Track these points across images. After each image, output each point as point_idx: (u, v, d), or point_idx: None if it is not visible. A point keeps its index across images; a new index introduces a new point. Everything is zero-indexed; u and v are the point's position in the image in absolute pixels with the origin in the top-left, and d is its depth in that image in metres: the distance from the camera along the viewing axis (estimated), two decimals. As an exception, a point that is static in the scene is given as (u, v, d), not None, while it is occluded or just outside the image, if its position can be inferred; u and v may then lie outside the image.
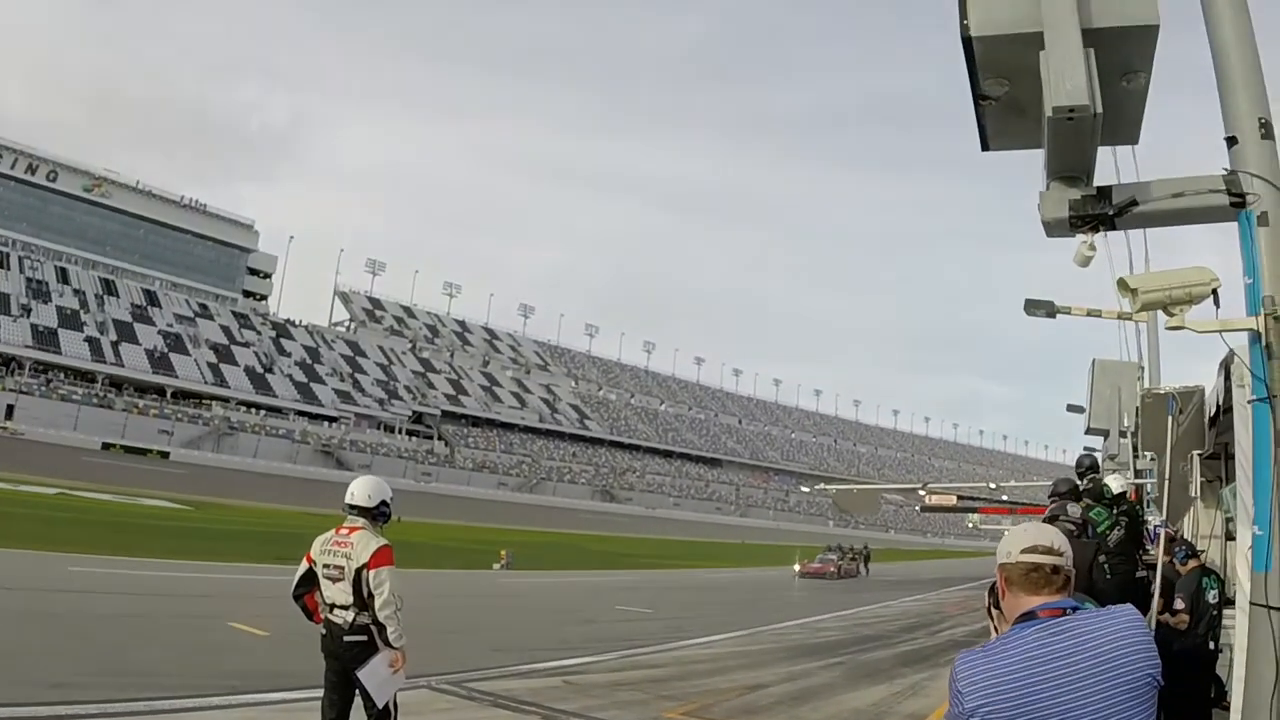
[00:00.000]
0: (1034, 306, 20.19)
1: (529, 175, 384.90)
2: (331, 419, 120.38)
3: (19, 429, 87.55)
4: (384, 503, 7.49)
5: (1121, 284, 4.63)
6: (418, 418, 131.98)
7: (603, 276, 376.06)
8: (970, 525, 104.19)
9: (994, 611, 3.10)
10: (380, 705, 7.12)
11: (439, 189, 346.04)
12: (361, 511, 7.35)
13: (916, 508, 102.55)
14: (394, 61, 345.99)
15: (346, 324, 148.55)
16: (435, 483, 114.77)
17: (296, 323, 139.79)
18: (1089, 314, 20.11)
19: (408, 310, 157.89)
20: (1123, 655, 2.64)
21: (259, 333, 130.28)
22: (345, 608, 7.09)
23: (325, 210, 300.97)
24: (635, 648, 18.16)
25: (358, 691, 7.13)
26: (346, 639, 7.05)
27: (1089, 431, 20.11)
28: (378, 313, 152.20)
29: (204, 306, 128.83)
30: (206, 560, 28.54)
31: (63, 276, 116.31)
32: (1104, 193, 4.54)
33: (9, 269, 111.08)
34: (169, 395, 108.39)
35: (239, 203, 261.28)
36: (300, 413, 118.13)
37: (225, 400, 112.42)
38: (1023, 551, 2.86)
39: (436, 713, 10.82)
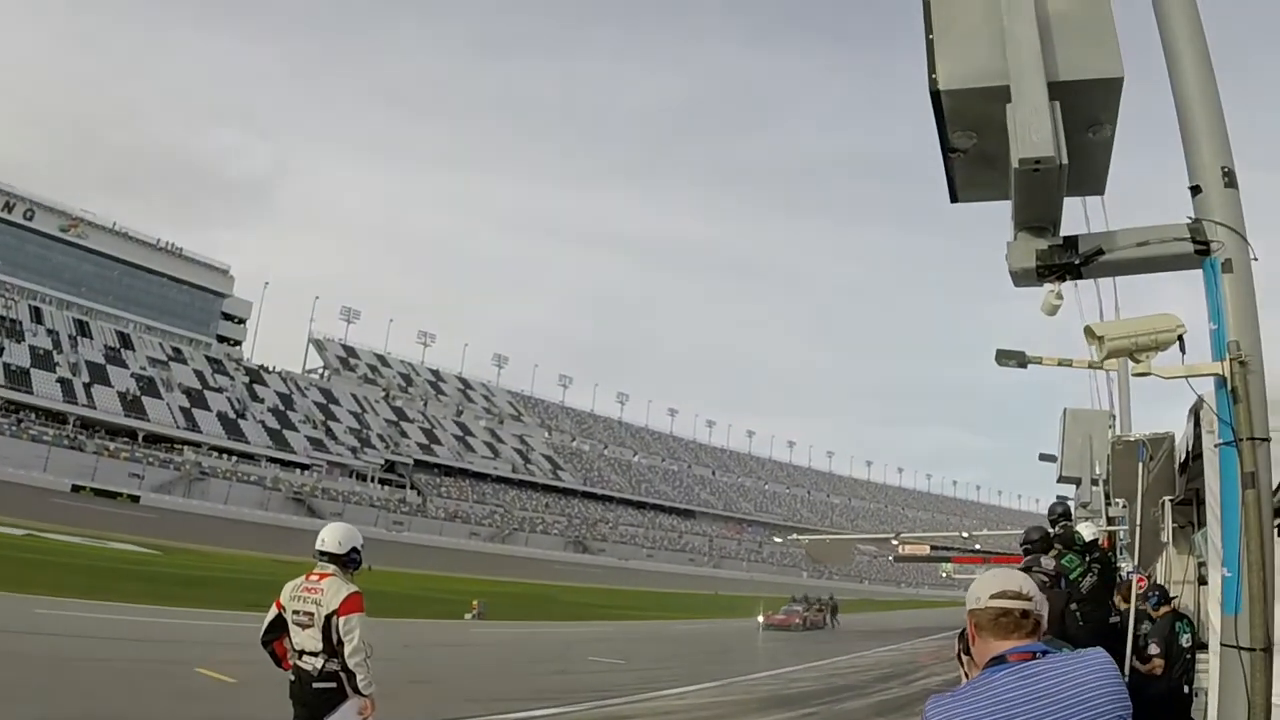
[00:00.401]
0: (1005, 357, 20.34)
1: (504, 227, 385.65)
2: (304, 466, 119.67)
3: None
4: (355, 549, 7.49)
5: (1088, 331, 4.70)
6: (390, 466, 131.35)
7: (577, 328, 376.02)
8: (944, 575, 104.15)
9: (964, 657, 3.11)
10: None
11: (415, 239, 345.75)
12: (332, 558, 7.34)
13: (890, 558, 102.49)
14: (373, 112, 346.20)
15: (320, 371, 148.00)
16: (407, 532, 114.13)
17: (270, 369, 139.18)
18: (1060, 364, 20.26)
19: (381, 359, 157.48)
20: (1094, 699, 2.64)
21: (232, 378, 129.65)
22: (314, 654, 7.06)
23: (301, 257, 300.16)
24: (608, 699, 18.08)
25: None
26: (315, 686, 7.00)
27: (1061, 480, 20.24)
28: (352, 360, 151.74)
29: (178, 350, 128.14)
30: (175, 606, 28.30)
31: (36, 316, 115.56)
32: (1070, 242, 4.62)
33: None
34: (140, 438, 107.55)
35: (215, 248, 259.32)
36: (272, 459, 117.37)
37: (197, 445, 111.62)
38: (992, 597, 2.88)
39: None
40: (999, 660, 2.79)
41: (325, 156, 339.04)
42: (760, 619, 54.75)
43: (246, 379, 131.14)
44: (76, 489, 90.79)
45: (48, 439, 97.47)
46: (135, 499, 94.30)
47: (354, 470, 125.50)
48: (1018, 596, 2.86)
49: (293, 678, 7.20)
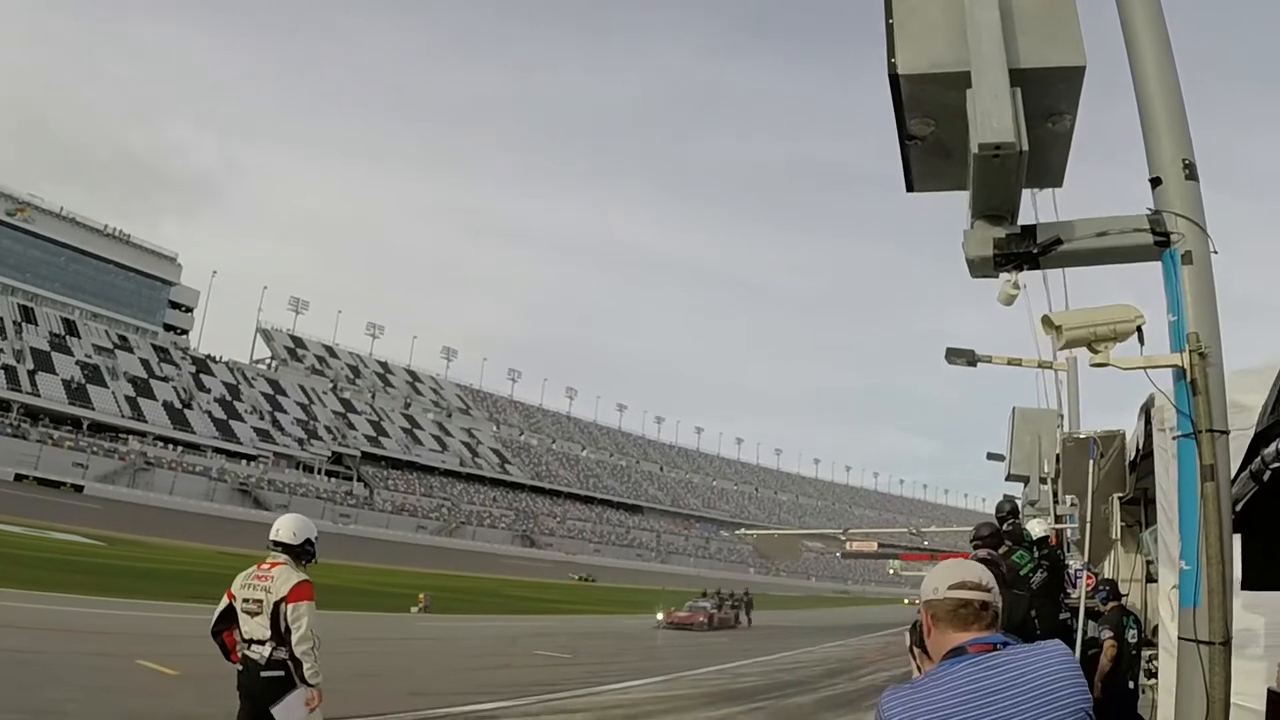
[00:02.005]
0: (955, 355, 20.56)
1: (455, 223, 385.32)
2: (250, 457, 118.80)
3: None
4: (309, 541, 7.46)
5: (1046, 321, 4.65)
6: (337, 458, 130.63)
7: (526, 323, 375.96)
8: (891, 572, 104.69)
9: (916, 650, 3.03)
10: None
11: (364, 232, 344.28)
12: (286, 549, 7.32)
13: (837, 554, 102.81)
14: (325, 109, 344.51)
15: (268, 362, 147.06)
16: (354, 525, 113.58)
17: (217, 359, 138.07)
18: (1009, 362, 20.51)
19: (330, 350, 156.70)
20: (1056, 689, 2.60)
21: (179, 367, 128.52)
22: (262, 642, 6.98)
23: (249, 248, 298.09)
24: (553, 692, 18.00)
25: None
26: (263, 675, 6.93)
27: (1010, 478, 20.37)
28: (299, 351, 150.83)
29: (124, 338, 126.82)
30: (118, 597, 27.96)
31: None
32: (1029, 231, 4.56)
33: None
34: (85, 427, 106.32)
35: (162, 238, 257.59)
36: (218, 450, 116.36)
37: (142, 435, 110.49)
38: (950, 588, 2.82)
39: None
40: (958, 651, 2.73)
41: (275, 151, 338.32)
42: (659, 616, 48.47)
43: (193, 368, 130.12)
44: (19, 478, 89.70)
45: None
46: (79, 489, 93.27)
47: (301, 462, 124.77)
48: (977, 588, 2.80)
49: (240, 668, 7.12)
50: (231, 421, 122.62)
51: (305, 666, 6.92)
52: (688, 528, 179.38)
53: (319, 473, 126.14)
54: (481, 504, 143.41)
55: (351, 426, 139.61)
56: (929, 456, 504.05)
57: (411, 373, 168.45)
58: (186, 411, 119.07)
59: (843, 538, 61.16)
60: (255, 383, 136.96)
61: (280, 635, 6.94)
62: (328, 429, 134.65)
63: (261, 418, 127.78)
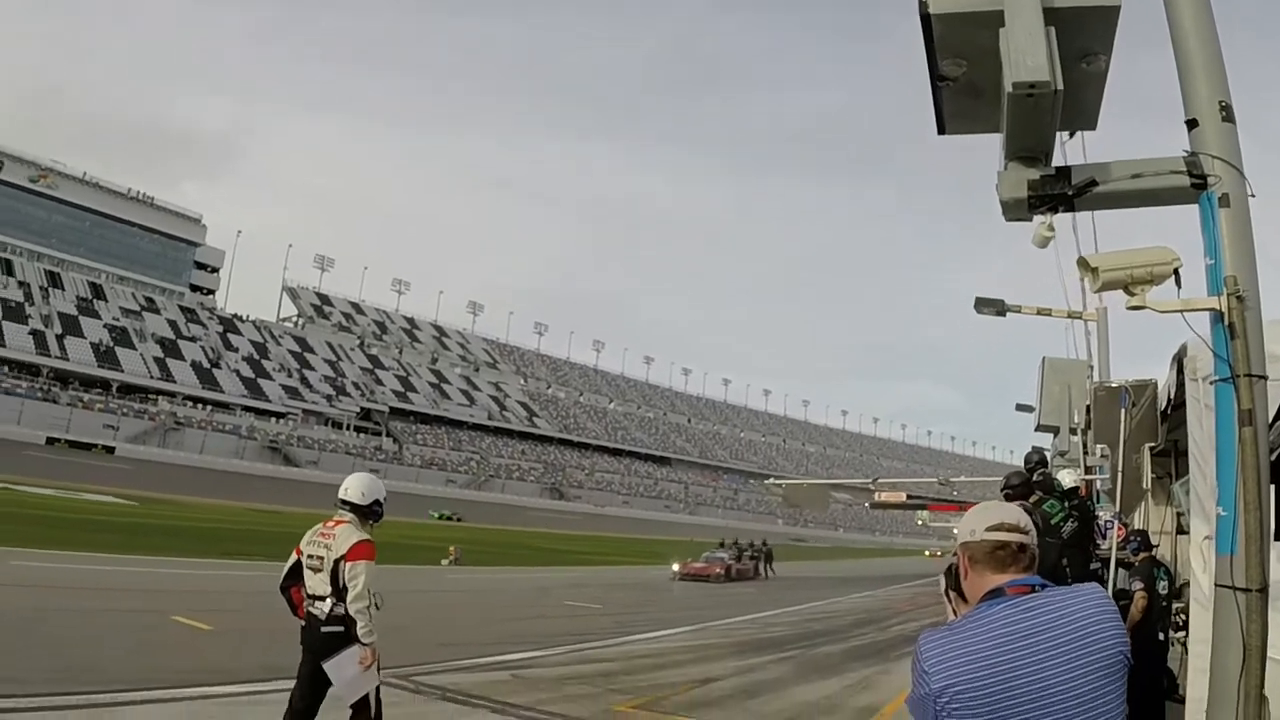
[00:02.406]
0: (984, 305, 20.43)
1: (479, 178, 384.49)
2: (279, 415, 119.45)
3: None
4: (377, 501, 7.61)
5: (1082, 263, 4.57)
6: (366, 414, 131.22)
7: (552, 276, 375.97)
8: (920, 523, 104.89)
9: (952, 594, 2.99)
10: (350, 702, 7.12)
11: (388, 189, 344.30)
12: (354, 508, 7.44)
13: (866, 505, 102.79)
14: (342, 67, 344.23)
15: (294, 320, 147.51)
16: (383, 479, 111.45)
17: (244, 318, 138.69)
18: (1039, 312, 20.37)
19: (356, 306, 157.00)
20: (1095, 632, 2.58)
21: (206, 327, 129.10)
22: (323, 598, 7.11)
23: (273, 207, 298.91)
24: (584, 642, 18.10)
25: (300, 680, 7.16)
26: (323, 630, 7.06)
27: (1039, 429, 20.22)
28: (326, 309, 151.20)
29: (150, 300, 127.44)
30: (151, 555, 28.17)
31: (7, 268, 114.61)
32: (1063, 173, 4.49)
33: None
34: (115, 390, 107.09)
35: (186, 201, 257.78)
36: (247, 408, 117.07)
37: (172, 395, 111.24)
38: (988, 529, 2.78)
39: (385, 707, 10.67)
40: (996, 593, 2.71)
41: (295, 110, 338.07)
42: (675, 567, 47.43)
43: (220, 328, 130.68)
44: (51, 441, 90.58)
45: (21, 391, 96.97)
46: (110, 450, 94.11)
47: (329, 418, 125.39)
48: (1014, 529, 2.78)
49: (304, 623, 7.28)
50: (260, 380, 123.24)
51: (359, 625, 7.02)
52: (716, 479, 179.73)
53: (348, 429, 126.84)
54: (510, 457, 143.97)
55: (379, 382, 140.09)
56: (957, 408, 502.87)
57: (438, 328, 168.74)
58: (215, 371, 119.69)
59: (872, 488, 61.03)
60: (283, 341, 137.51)
61: (339, 592, 7.06)
62: (356, 385, 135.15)
63: (290, 375, 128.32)
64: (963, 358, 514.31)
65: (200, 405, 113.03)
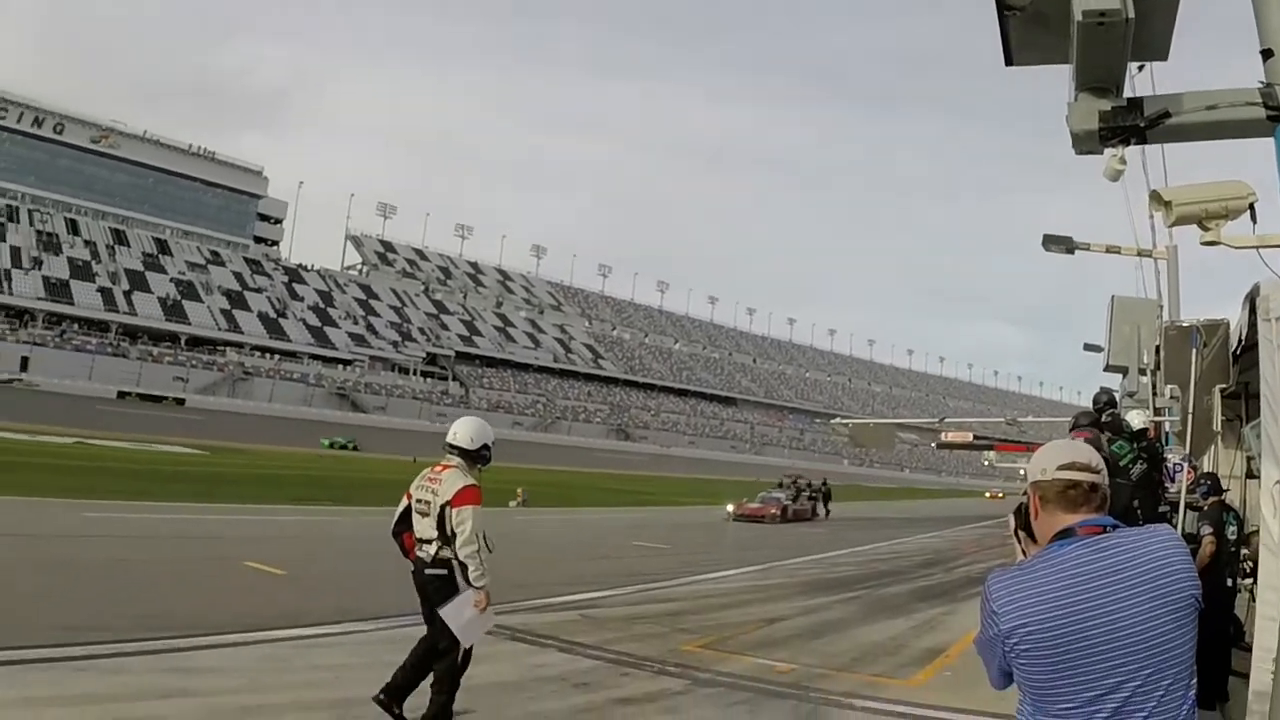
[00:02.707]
0: (1052, 242, 20.11)
1: (539, 119, 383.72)
2: (345, 362, 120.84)
3: (34, 381, 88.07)
4: (485, 446, 7.75)
5: (1155, 197, 4.46)
6: (432, 359, 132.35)
7: (615, 217, 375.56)
8: (986, 464, 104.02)
9: (1021, 535, 2.94)
10: (467, 645, 7.33)
11: (448, 133, 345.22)
12: (462, 453, 7.58)
13: (932, 445, 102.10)
14: (399, 11, 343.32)
15: (359, 267, 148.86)
16: (450, 423, 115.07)
17: (309, 267, 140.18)
18: (1108, 250, 19.99)
19: (420, 253, 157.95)
20: (1167, 574, 2.54)
21: (271, 278, 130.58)
22: (429, 542, 7.31)
23: (333, 156, 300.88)
24: (651, 582, 18.15)
25: (426, 621, 7.40)
26: (428, 572, 7.28)
27: (1108, 369, 19.92)
28: (390, 256, 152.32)
29: (215, 254, 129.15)
30: (223, 503, 28.59)
31: (73, 228, 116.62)
32: (1135, 104, 4.37)
33: (19, 222, 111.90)
34: (183, 342, 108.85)
35: (246, 153, 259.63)
36: (314, 356, 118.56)
37: (239, 346, 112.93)
38: (1059, 468, 2.73)
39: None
40: (1067, 533, 2.67)
41: (354, 58, 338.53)
42: (730, 508, 45.47)
43: (285, 278, 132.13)
44: (122, 395, 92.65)
45: (91, 348, 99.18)
46: (180, 402, 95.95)
47: (396, 364, 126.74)
48: (1086, 469, 2.73)
49: (414, 567, 7.47)
50: (326, 328, 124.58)
51: (470, 570, 7.16)
52: (781, 419, 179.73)
53: (414, 374, 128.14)
54: (576, 399, 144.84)
55: (445, 327, 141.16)
56: (1024, 347, 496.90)
57: (502, 272, 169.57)
58: (281, 320, 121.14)
59: (938, 428, 60.43)
60: (347, 289, 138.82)
61: (445, 536, 7.21)
62: (421, 330, 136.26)
63: (355, 323, 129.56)
64: (1030, 297, 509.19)
65: (268, 355, 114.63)
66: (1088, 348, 24.97)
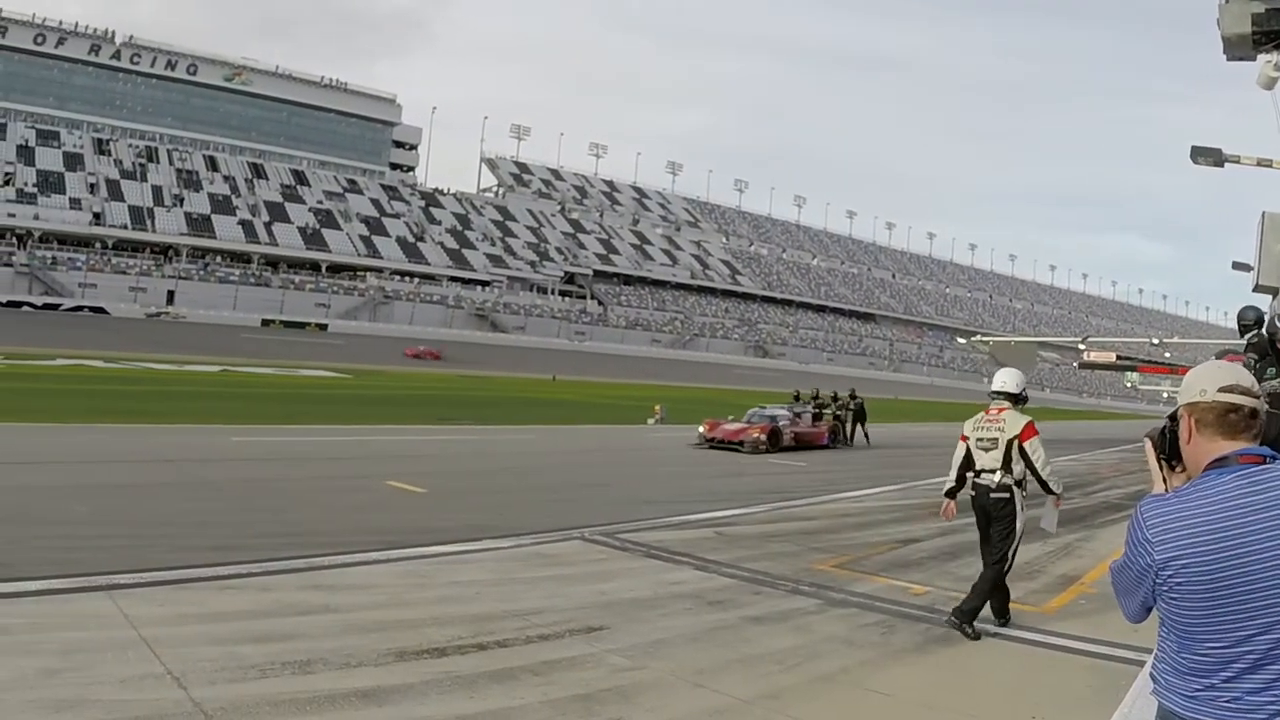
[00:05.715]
0: (1201, 155, 19.35)
1: (669, 35, 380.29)
2: (484, 283, 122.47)
3: (181, 313, 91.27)
4: (1024, 389, 9.22)
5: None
6: (569, 278, 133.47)
7: (750, 133, 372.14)
8: (1129, 385, 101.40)
9: (1163, 461, 2.77)
10: (1052, 532, 10.11)
11: (579, 52, 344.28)
12: (1009, 397, 9.05)
13: (1074, 364, 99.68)
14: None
15: (495, 189, 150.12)
16: (589, 341, 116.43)
17: (445, 191, 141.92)
18: (1259, 163, 19.18)
19: (555, 173, 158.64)
20: None
21: (408, 203, 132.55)
22: (992, 471, 8.81)
23: (465, 80, 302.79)
24: (786, 501, 18.10)
25: (981, 539, 9.16)
26: (993, 496, 8.83)
27: (1257, 289, 19.17)
28: (525, 177, 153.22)
29: (352, 182, 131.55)
30: (365, 424, 29.26)
31: (211, 165, 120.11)
32: (1290, 5, 4.14)
33: (159, 163, 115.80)
34: (323, 270, 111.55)
35: (377, 81, 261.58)
36: (453, 279, 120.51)
37: (379, 271, 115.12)
38: (1221, 389, 2.54)
39: (590, 563, 10.93)
40: (1222, 462, 2.49)
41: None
42: (701, 430, 31.46)
43: (422, 203, 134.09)
44: (266, 323, 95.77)
45: (234, 279, 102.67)
46: (323, 327, 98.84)
47: (534, 284, 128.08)
48: (1248, 393, 2.54)
49: (973, 492, 9.03)
50: (464, 250, 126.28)
51: (1051, 484, 8.83)
52: (920, 335, 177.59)
53: (552, 293, 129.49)
54: (713, 315, 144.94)
55: (582, 246, 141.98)
56: (1169, 263, 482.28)
57: (638, 189, 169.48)
58: (419, 245, 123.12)
59: (1080, 347, 58.79)
60: (484, 211, 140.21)
61: (1007, 466, 8.72)
62: (558, 250, 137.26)
63: (493, 244, 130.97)
64: (1176, 212, 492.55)
65: (407, 278, 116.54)
66: (1236, 266, 24.09)
